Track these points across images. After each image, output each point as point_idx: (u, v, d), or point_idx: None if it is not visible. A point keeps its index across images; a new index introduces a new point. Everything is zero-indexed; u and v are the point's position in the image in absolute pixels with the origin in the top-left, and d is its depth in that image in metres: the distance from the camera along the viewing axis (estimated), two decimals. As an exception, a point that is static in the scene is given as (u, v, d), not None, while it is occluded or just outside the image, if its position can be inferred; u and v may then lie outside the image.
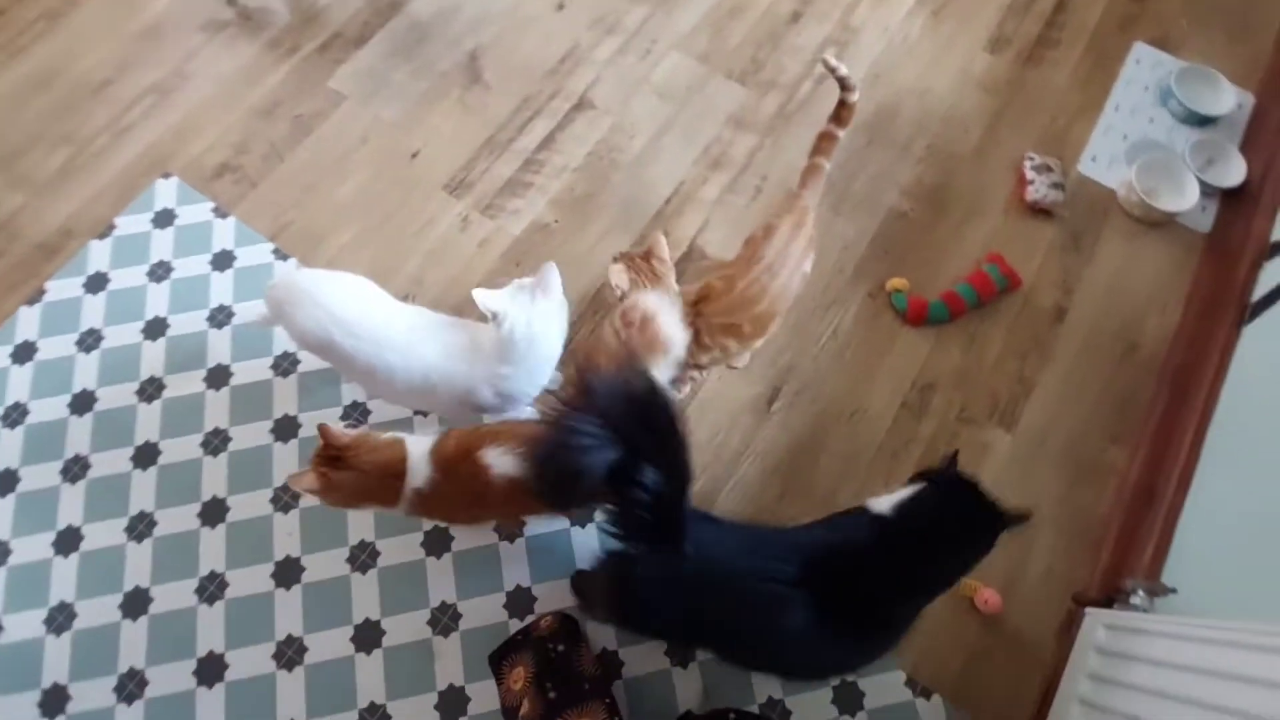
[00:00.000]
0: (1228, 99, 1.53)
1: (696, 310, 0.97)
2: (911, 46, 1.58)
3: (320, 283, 0.93)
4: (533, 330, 0.91)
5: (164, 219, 1.35)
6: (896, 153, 1.46)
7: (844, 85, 1.07)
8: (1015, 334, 1.30)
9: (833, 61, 1.07)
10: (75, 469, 1.14)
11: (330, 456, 0.81)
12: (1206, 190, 1.44)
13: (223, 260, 1.32)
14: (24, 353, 1.24)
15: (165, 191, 1.37)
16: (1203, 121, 1.54)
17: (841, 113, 1.09)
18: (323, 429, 0.82)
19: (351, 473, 0.81)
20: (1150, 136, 1.53)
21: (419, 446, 0.85)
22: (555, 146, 1.42)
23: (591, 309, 1.27)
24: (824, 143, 1.10)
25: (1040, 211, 1.42)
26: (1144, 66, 1.60)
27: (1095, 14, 1.65)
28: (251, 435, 1.16)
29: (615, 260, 1.05)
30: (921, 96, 1.52)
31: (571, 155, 1.41)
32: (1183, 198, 1.42)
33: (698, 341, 0.97)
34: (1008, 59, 1.58)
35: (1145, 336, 1.31)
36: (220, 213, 1.35)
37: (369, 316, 0.92)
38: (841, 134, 1.10)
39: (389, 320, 0.93)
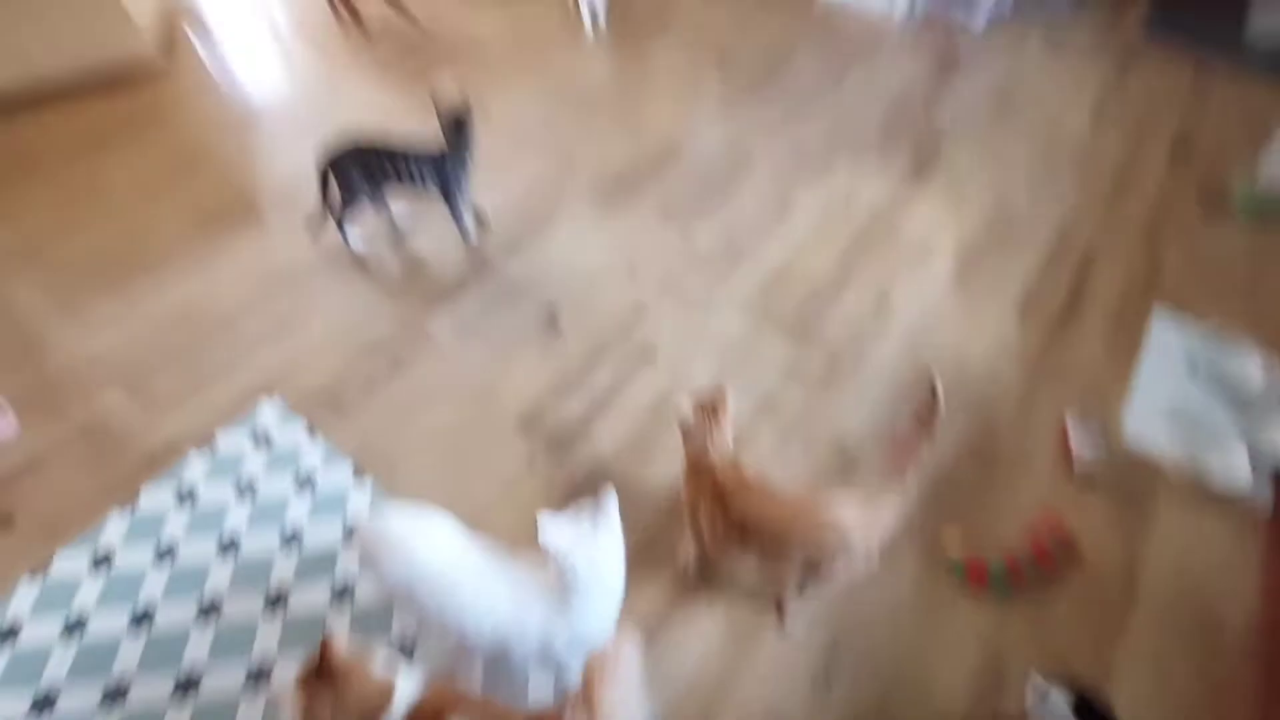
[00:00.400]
0: (1256, 369, 1.61)
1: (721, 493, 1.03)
2: (947, 312, 1.75)
3: (406, 533, 0.97)
4: (595, 568, 0.93)
5: (261, 437, 1.49)
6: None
7: (934, 396, 1.04)
8: (1083, 608, 1.24)
9: (937, 382, 1.04)
10: (116, 694, 1.13)
11: (323, 672, 0.79)
12: (1257, 463, 1.45)
13: (305, 480, 1.41)
14: (101, 560, 1.29)
15: (268, 412, 1.53)
16: (1236, 391, 1.61)
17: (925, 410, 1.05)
18: (325, 643, 0.80)
19: (331, 703, 0.78)
20: (1187, 403, 1.59)
21: (403, 696, 0.83)
22: (621, 392, 1.56)
23: (647, 547, 1.29)
24: (907, 449, 1.06)
25: (1089, 475, 1.44)
26: (1169, 337, 1.72)
27: (1115, 283, 1.83)
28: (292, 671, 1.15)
29: (689, 398, 1.15)
30: (960, 358, 1.65)
31: (635, 401, 1.54)
32: (1234, 470, 1.44)
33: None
34: (1038, 324, 1.72)
35: (1226, 618, 1.24)
36: (312, 432, 1.48)
37: (451, 573, 0.95)
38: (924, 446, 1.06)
39: (469, 577, 0.96)
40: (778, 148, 2.26)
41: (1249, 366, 1.63)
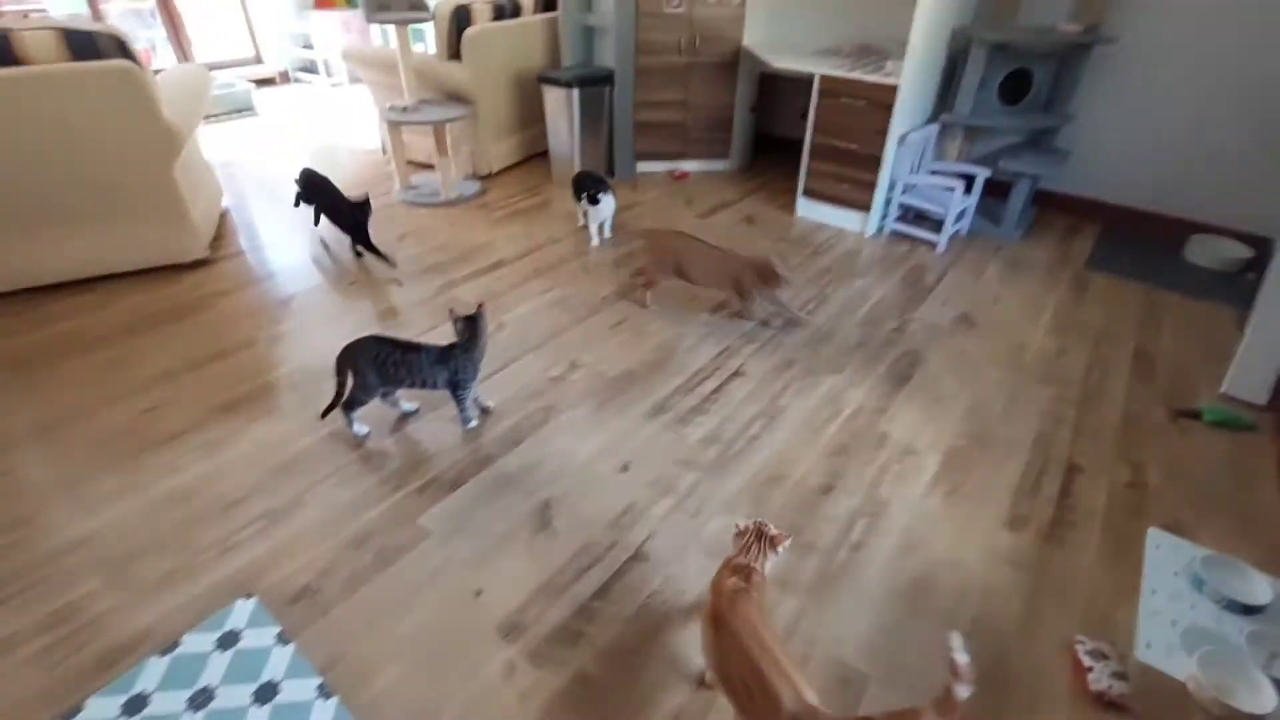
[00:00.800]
0: (1263, 589, 1.58)
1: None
2: (936, 521, 1.77)
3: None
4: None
5: (228, 640, 1.42)
6: (940, 625, 1.49)
7: (955, 673, 0.92)
8: None
9: (958, 647, 0.94)
10: None
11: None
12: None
13: (266, 693, 1.33)
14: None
15: (241, 612, 1.48)
16: (1247, 610, 1.56)
17: (946, 703, 0.93)
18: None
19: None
20: (1200, 624, 1.54)
21: None
22: (609, 595, 1.52)
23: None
24: None
25: (1110, 704, 1.35)
26: (1165, 552, 1.71)
27: (1101, 499, 1.86)
28: None
29: (752, 521, 1.32)
30: (954, 569, 1.63)
31: (624, 605, 1.50)
32: (1260, 698, 1.35)
33: None
34: (1029, 537, 1.73)
35: None
36: (283, 639, 1.42)
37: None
38: None
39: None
40: (765, 357, 2.44)
41: (1255, 583, 1.60)
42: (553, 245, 3.26)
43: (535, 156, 4.43)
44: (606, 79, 3.81)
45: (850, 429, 2.09)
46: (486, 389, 2.21)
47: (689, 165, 4.25)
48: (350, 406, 1.93)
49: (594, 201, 3.12)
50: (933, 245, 3.30)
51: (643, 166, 4.22)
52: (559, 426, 2.06)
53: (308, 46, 6.70)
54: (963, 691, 0.92)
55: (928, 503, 1.83)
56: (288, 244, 3.25)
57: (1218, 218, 3.30)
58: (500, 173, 4.21)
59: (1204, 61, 3.09)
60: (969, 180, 3.30)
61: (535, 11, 4.23)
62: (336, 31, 6.54)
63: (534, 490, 1.82)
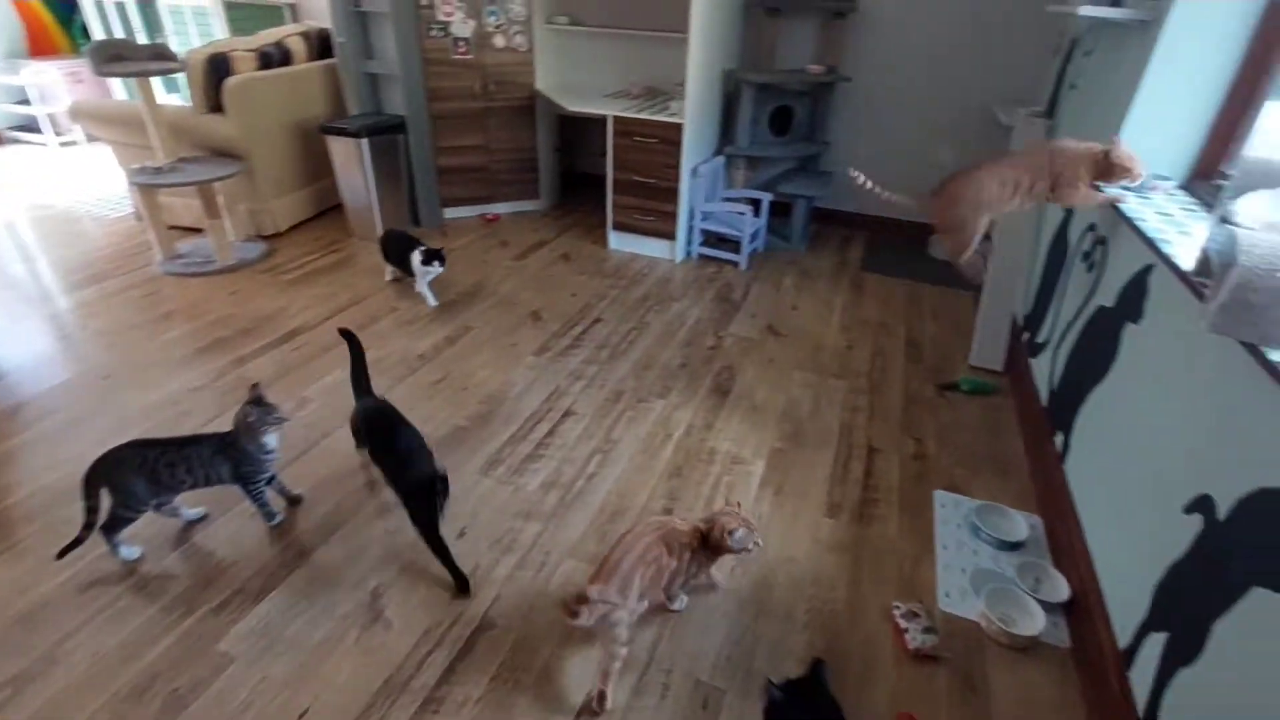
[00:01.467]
0: (1021, 526, 1.91)
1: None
2: (768, 522, 1.91)
3: None
4: None
5: None
6: (782, 622, 1.60)
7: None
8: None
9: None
10: None
11: None
12: (1047, 607, 1.66)
13: None
14: None
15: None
16: (1012, 546, 1.87)
17: None
18: None
19: None
20: (982, 566, 1.81)
21: None
22: (456, 678, 1.43)
23: None
24: None
25: (925, 658, 1.54)
26: (949, 509, 2.00)
27: (894, 473, 2.13)
28: None
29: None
30: (788, 565, 1.77)
31: (474, 686, 1.41)
32: (1033, 620, 1.63)
33: None
34: (845, 522, 1.93)
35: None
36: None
37: None
38: None
39: None
40: (595, 392, 2.48)
41: (1015, 522, 1.92)
42: (358, 305, 3.05)
43: (330, 210, 4.15)
44: (398, 127, 3.70)
45: (683, 449, 2.19)
46: (294, 475, 1.99)
47: (500, 208, 4.25)
48: (112, 529, 1.62)
49: (429, 262, 2.92)
50: (736, 264, 3.61)
51: (452, 212, 4.14)
52: (384, 502, 1.91)
53: (23, 101, 5.67)
54: None
55: (759, 507, 1.96)
56: (11, 335, 2.69)
57: (949, 219, 4.00)
58: (290, 231, 3.87)
59: (918, 96, 3.77)
60: (756, 204, 3.68)
61: (310, 59, 4.00)
62: (62, 83, 5.62)
63: (360, 581, 1.66)
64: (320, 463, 2.06)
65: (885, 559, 1.81)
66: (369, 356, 2.03)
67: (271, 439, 1.71)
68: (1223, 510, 1.22)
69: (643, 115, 3.38)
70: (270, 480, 1.80)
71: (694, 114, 3.34)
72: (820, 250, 3.91)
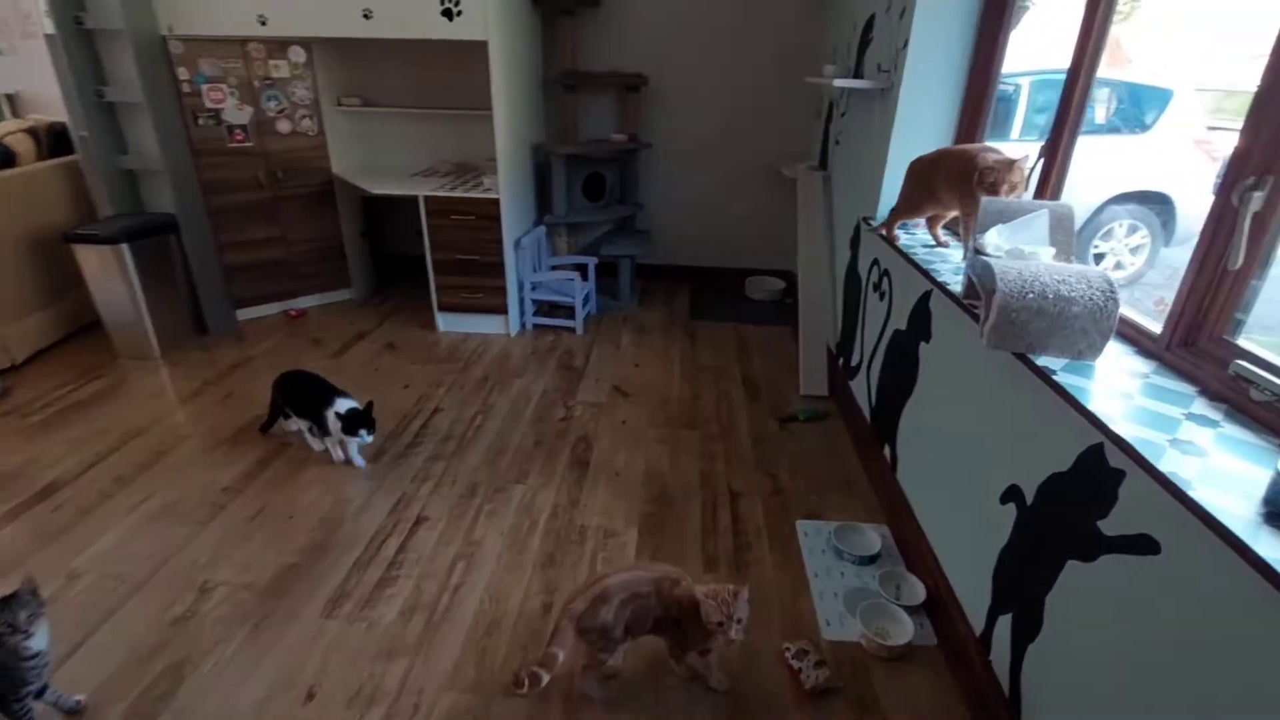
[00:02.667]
0: (874, 538, 2.07)
1: None
2: (650, 592, 1.87)
3: None
4: None
5: None
6: (683, 682, 1.56)
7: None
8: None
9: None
10: None
11: None
12: (911, 610, 1.80)
13: None
14: None
15: None
16: (872, 559, 2.02)
17: None
18: None
19: None
20: (852, 586, 1.93)
21: None
22: None
23: None
24: None
25: (822, 693, 1.58)
26: (812, 536, 2.12)
27: (759, 513, 2.22)
28: None
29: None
30: (678, 633, 1.73)
31: None
32: (904, 628, 1.75)
33: None
34: (724, 573, 1.95)
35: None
36: None
37: None
38: None
39: None
40: (446, 491, 2.30)
41: (868, 536, 2.08)
42: (136, 439, 2.56)
43: (85, 330, 3.49)
44: (167, 226, 3.25)
45: (552, 533, 2.10)
46: (68, 678, 1.56)
47: (306, 301, 3.88)
48: None
49: (353, 430, 2.28)
50: (573, 330, 3.63)
51: (250, 312, 3.70)
52: (202, 682, 1.57)
53: None
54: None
55: (639, 578, 1.92)
56: None
57: (758, 263, 4.41)
58: (32, 360, 3.19)
59: (711, 156, 4.15)
60: (584, 268, 3.76)
61: (40, 158, 3.41)
62: None
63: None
64: (107, 651, 1.65)
65: (767, 600, 1.85)
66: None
67: (36, 641, 1.33)
68: (1029, 496, 1.42)
69: (457, 193, 3.32)
70: (40, 693, 1.40)
71: (509, 188, 3.36)
72: (650, 305, 4.09)
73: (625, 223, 4.20)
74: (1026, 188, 1.75)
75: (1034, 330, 1.32)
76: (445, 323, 3.62)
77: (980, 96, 2.21)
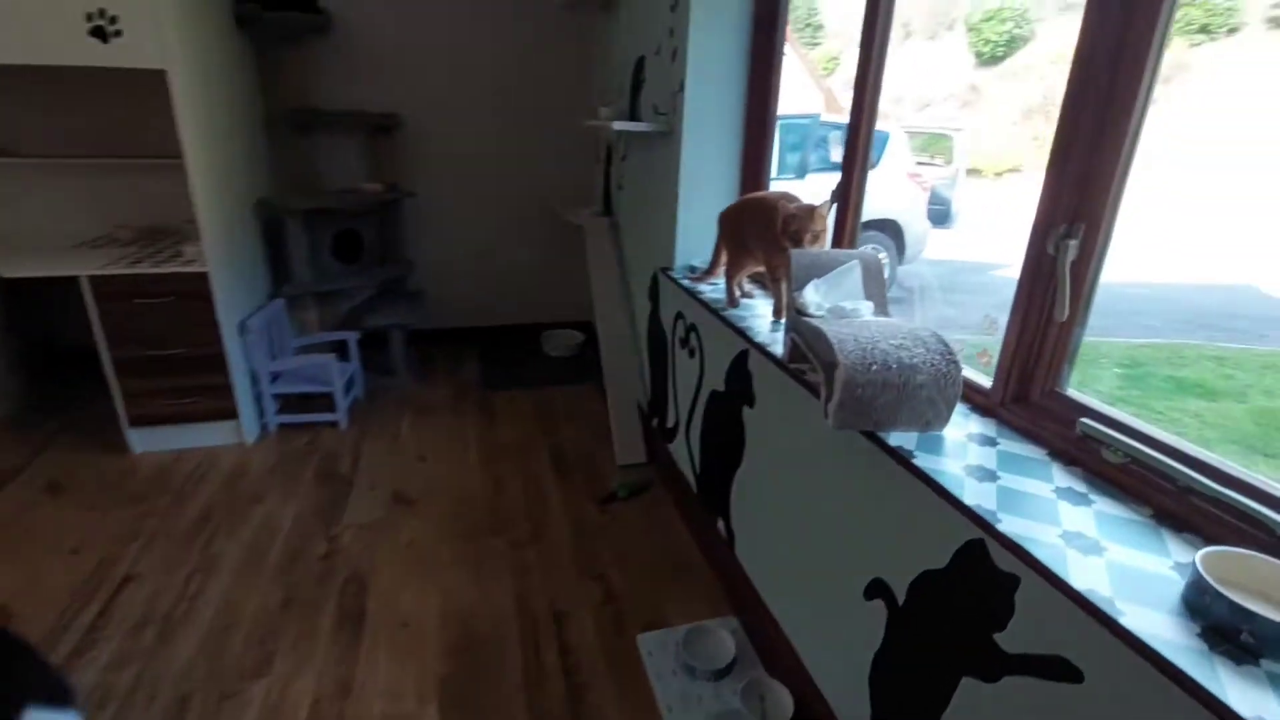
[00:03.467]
0: (727, 641, 1.80)
1: None
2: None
3: None
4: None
5: None
6: None
7: None
8: None
9: None
10: None
11: None
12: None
13: None
14: None
15: None
16: (728, 670, 1.74)
17: None
18: None
19: None
20: (712, 711, 1.62)
21: None
22: None
23: None
24: None
25: None
26: (657, 654, 1.78)
27: (591, 635, 1.84)
28: None
29: None
30: None
31: None
32: (779, 753, 1.48)
33: None
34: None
35: None
36: None
37: None
38: None
39: None
40: (138, 712, 1.56)
41: (720, 638, 1.81)
42: None
43: None
44: None
45: (314, 741, 1.49)
46: None
47: (-94, 435, 2.67)
48: None
49: None
50: (334, 424, 2.95)
51: None
52: None
53: None
54: None
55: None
56: None
57: (553, 315, 4.09)
58: None
59: (487, 203, 3.77)
60: (343, 345, 3.11)
61: None
62: None
63: None
64: None
65: (619, 768, 1.47)
66: None
67: None
68: (900, 594, 1.23)
69: (141, 268, 2.50)
70: None
71: (222, 256, 2.62)
72: (434, 378, 3.54)
73: (392, 286, 3.61)
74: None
75: (880, 405, 1.14)
76: (144, 440, 2.69)
77: (760, 138, 2.14)
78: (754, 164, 2.17)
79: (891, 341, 1.17)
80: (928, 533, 1.13)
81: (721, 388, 2.01)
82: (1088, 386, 1.18)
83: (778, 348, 1.57)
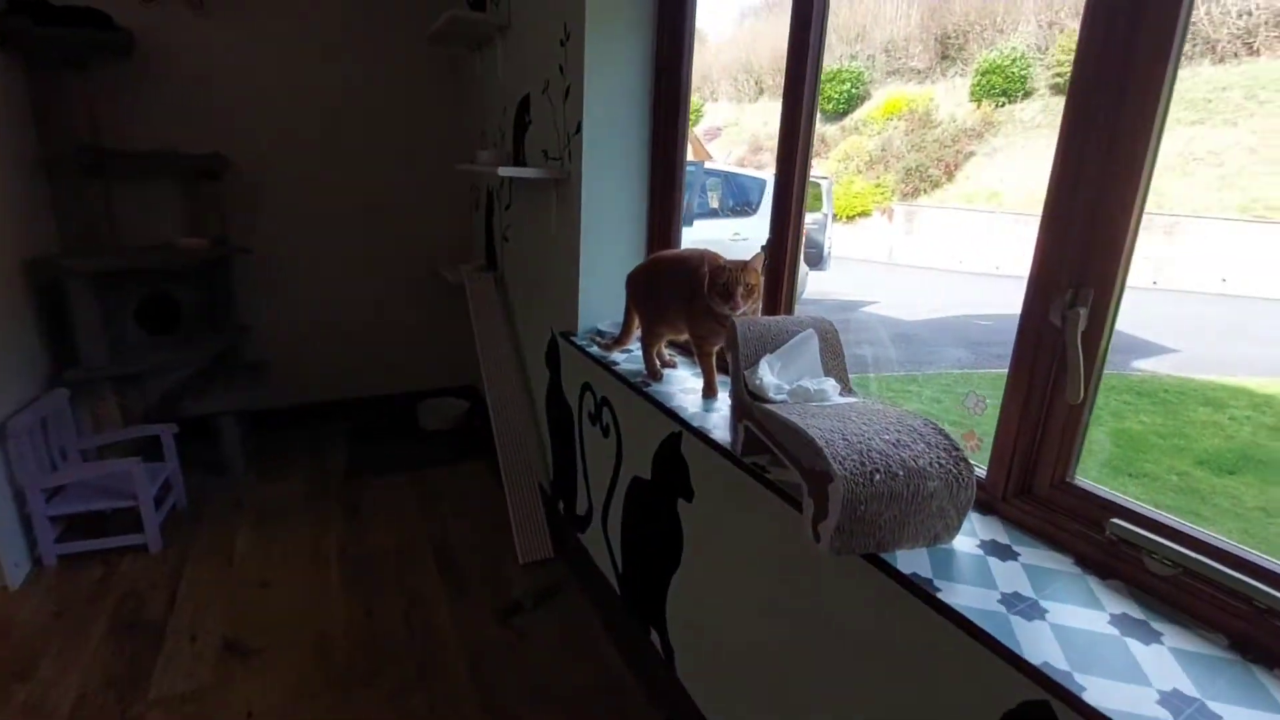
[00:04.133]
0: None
1: None
2: None
3: None
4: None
5: None
6: None
7: None
8: None
9: None
10: None
11: None
12: None
13: None
14: None
15: None
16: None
17: None
18: None
19: None
20: None
21: None
22: None
23: None
24: None
25: None
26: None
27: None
28: None
29: None
30: None
31: None
32: None
33: None
34: None
35: None
36: None
37: None
38: None
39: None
40: None
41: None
42: None
43: None
44: None
45: None
46: None
47: None
48: None
49: None
50: (141, 547, 2.30)
51: None
52: None
53: None
54: None
55: None
56: None
57: (431, 382, 3.63)
58: None
59: (349, 261, 3.28)
60: (155, 441, 2.48)
61: None
62: None
63: None
64: None
65: None
66: None
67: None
68: (917, 756, 0.99)
69: None
70: None
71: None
72: (283, 471, 2.95)
73: (224, 359, 3.00)
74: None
75: (885, 522, 0.91)
76: None
77: (669, 188, 1.94)
78: (664, 215, 1.97)
79: (885, 438, 0.96)
80: (958, 685, 0.90)
81: (647, 475, 1.72)
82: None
83: (719, 432, 1.32)
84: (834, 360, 1.26)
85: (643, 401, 1.60)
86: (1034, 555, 0.96)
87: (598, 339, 1.93)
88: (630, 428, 1.80)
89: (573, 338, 2.00)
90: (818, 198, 8.30)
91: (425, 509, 2.66)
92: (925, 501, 0.91)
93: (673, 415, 1.45)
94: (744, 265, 1.36)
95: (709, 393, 1.53)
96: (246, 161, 2.98)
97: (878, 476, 0.89)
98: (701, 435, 1.34)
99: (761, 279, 1.38)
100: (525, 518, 2.40)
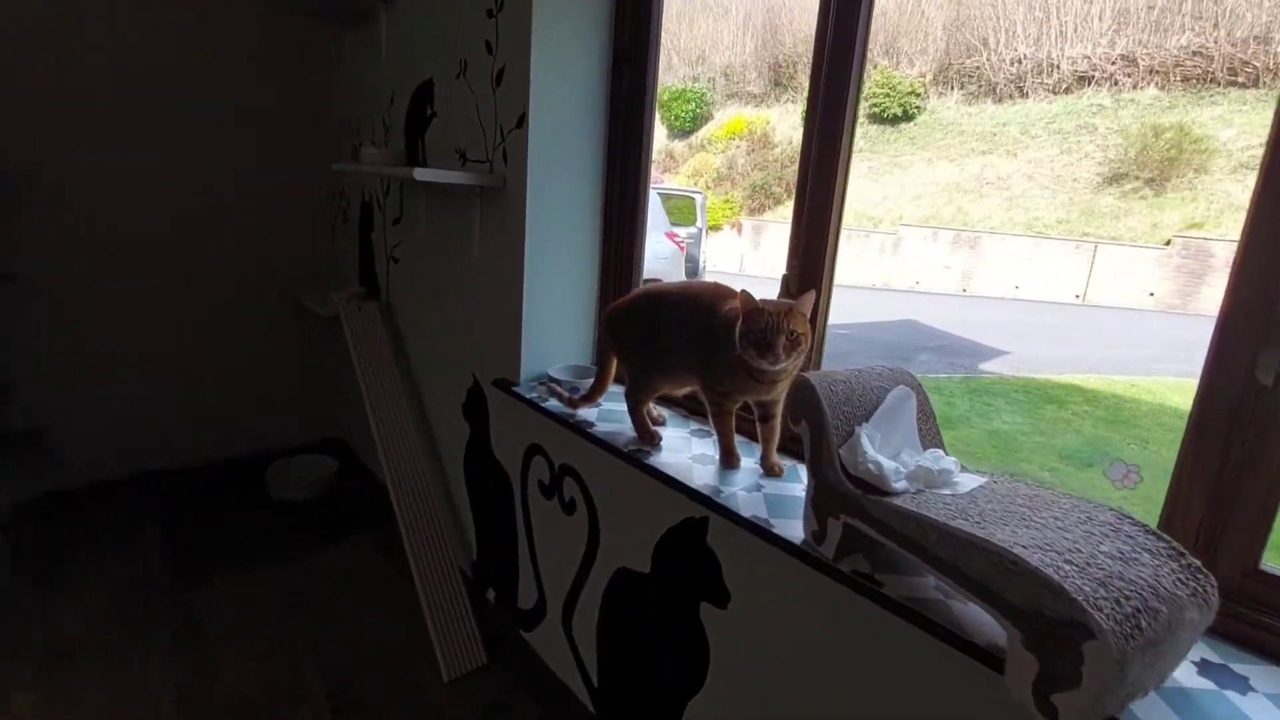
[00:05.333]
0: None
1: None
2: None
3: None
4: None
5: None
6: None
7: None
8: None
9: None
10: None
11: None
12: None
13: None
14: None
15: None
16: None
17: None
18: None
19: None
20: None
21: None
22: None
23: None
24: None
25: None
26: None
27: None
28: None
29: None
30: None
31: None
32: None
33: None
34: None
35: None
36: None
37: None
38: None
39: None
40: None
41: None
42: None
43: None
44: None
45: None
46: None
47: None
48: None
49: None
50: None
51: None
52: None
53: None
54: None
55: None
56: None
57: (283, 438, 2.95)
58: None
59: (157, 286, 2.54)
60: None
61: None
62: None
63: None
64: None
65: None
66: None
67: None
68: None
69: None
70: None
71: None
72: (75, 584, 2.17)
73: (-27, 432, 2.17)
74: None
75: (1133, 675, 0.67)
76: None
77: (630, 199, 1.62)
78: (623, 236, 1.64)
79: (1103, 549, 0.72)
80: None
81: (644, 568, 1.38)
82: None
83: (746, 514, 1.04)
84: (926, 423, 1.02)
85: (639, 475, 1.27)
86: (1262, 678, 0.77)
87: (554, 389, 1.55)
88: (613, 506, 1.45)
89: (514, 388, 1.60)
90: (692, 211, 8.37)
91: (295, 617, 2.06)
92: (1177, 639, 0.68)
93: (696, 496, 1.13)
94: (789, 309, 1.08)
95: (730, 462, 1.23)
96: (5, 163, 2.18)
97: (1144, 621, 0.64)
98: (757, 528, 1.04)
99: (809, 327, 1.11)
100: (446, 617, 1.92)
